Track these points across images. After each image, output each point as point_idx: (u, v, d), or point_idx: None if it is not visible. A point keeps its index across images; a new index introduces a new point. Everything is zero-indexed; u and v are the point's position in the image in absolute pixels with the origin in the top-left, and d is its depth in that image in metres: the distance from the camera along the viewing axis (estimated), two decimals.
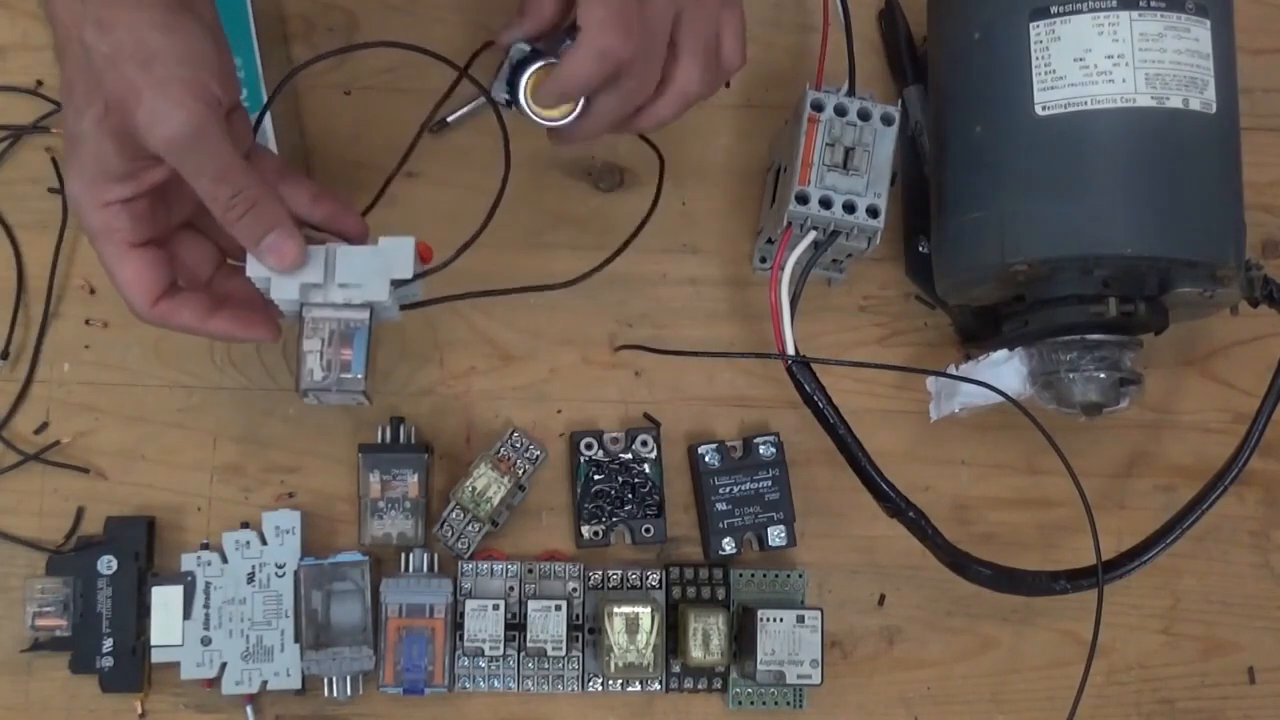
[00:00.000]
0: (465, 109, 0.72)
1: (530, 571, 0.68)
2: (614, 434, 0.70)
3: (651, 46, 0.56)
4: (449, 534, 0.68)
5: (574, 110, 0.59)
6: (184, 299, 0.58)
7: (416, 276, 0.59)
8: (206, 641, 0.66)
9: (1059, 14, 0.64)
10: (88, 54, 0.51)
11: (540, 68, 0.59)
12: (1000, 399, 0.67)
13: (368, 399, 0.60)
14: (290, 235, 0.56)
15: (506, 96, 0.60)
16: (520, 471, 0.68)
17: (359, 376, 0.59)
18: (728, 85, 0.75)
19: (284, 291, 0.58)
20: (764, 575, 0.69)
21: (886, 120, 0.65)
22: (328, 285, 0.58)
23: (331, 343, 0.59)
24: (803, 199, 0.64)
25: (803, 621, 0.66)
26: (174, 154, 0.52)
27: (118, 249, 0.55)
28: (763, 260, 0.73)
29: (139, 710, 0.67)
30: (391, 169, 0.68)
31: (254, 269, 0.57)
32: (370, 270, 0.58)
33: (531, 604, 0.66)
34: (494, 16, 0.74)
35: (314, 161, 0.72)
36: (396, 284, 0.59)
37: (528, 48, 0.59)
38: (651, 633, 0.65)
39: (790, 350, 0.65)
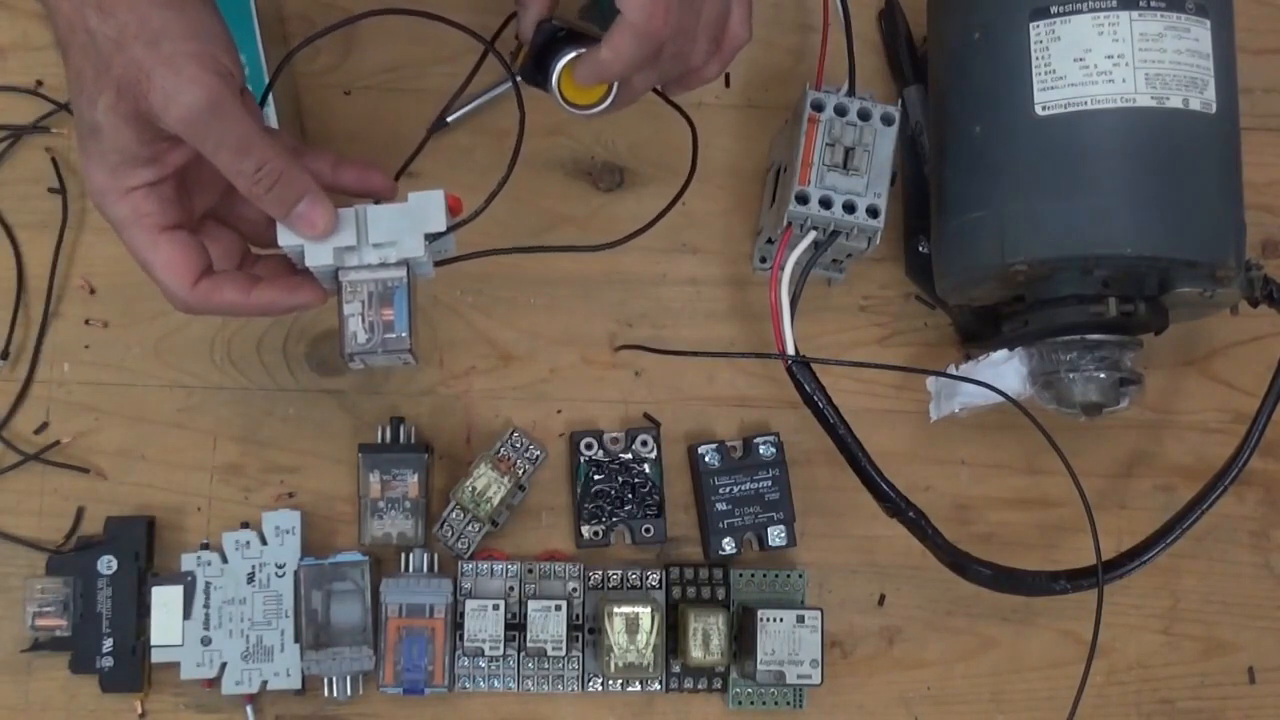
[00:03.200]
0: (466, 109, 0.72)
1: (530, 571, 0.68)
2: (614, 434, 0.70)
3: (687, 23, 0.56)
4: (449, 534, 0.68)
5: (608, 97, 0.59)
6: (224, 277, 0.56)
7: (449, 229, 0.58)
8: (206, 641, 0.66)
9: (1059, 14, 0.64)
10: (93, 40, 0.50)
11: (573, 58, 0.58)
12: (1000, 399, 0.67)
13: (414, 357, 0.59)
14: (319, 201, 0.55)
15: (537, 79, 0.60)
16: (520, 471, 0.68)
17: (403, 335, 0.58)
18: (727, 84, 0.75)
19: (318, 258, 0.57)
20: (764, 575, 0.69)
21: (886, 120, 0.65)
22: (361, 247, 0.57)
23: (372, 304, 0.58)
24: (803, 199, 0.64)
25: (803, 621, 0.66)
26: (192, 131, 0.51)
27: (148, 235, 0.54)
28: (763, 260, 0.73)
29: (139, 710, 0.67)
30: (391, 169, 0.68)
31: (286, 238, 0.56)
32: (402, 227, 0.57)
33: (531, 604, 0.66)
34: (492, 17, 0.74)
35: None
36: (430, 238, 0.58)
37: (556, 26, 0.58)
38: (651, 633, 0.65)
39: (790, 350, 0.65)
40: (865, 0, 0.75)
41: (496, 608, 0.66)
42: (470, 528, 0.68)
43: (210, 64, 0.51)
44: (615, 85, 0.58)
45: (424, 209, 0.58)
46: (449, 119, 0.72)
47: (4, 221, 0.71)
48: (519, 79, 0.60)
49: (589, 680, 0.68)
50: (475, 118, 0.73)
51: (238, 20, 0.64)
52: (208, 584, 0.66)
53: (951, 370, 0.70)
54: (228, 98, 0.51)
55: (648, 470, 0.70)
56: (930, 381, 0.72)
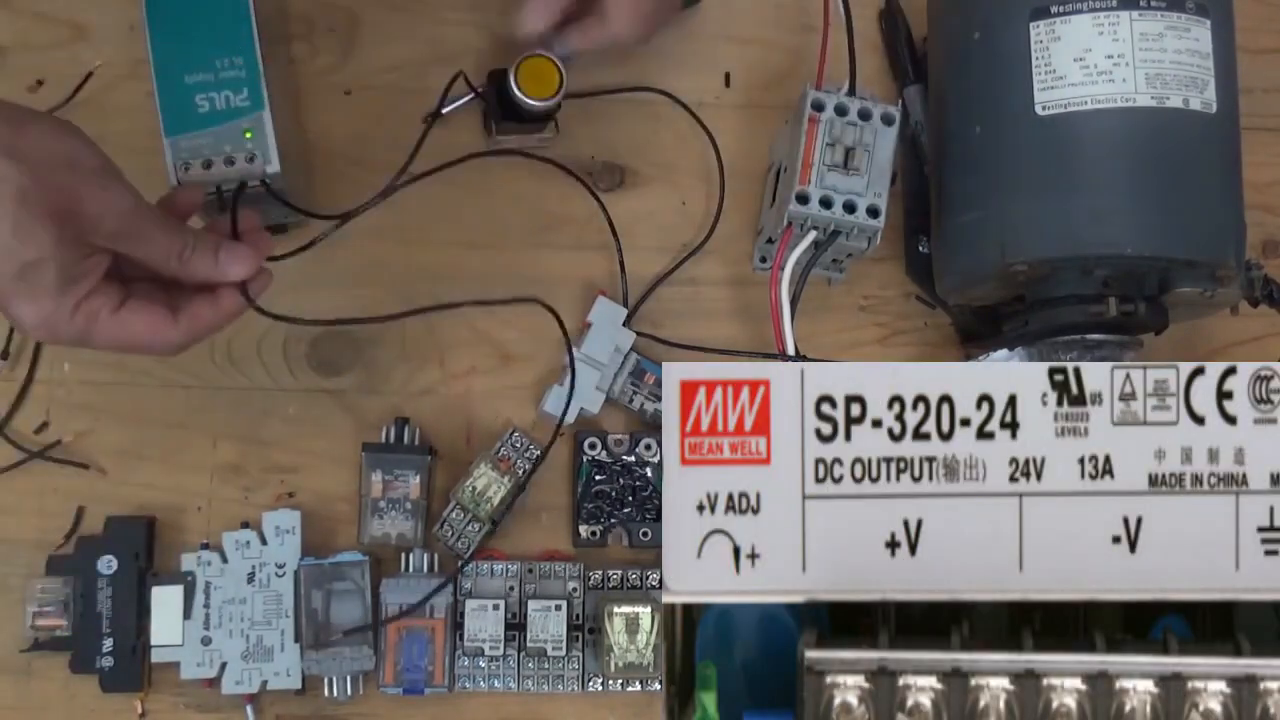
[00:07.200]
0: (459, 101, 0.72)
1: (530, 571, 0.68)
2: (618, 436, 0.70)
3: None
4: (449, 534, 0.68)
5: (560, 90, 0.67)
6: (193, 303, 0.58)
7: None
8: (206, 641, 0.66)
9: (1059, 14, 0.64)
10: (7, 184, 0.51)
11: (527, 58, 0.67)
12: None
13: None
14: (230, 245, 0.58)
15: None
16: (520, 471, 0.68)
17: None
18: (727, 83, 0.75)
19: None
20: None
21: (887, 120, 0.65)
22: None
23: None
24: (803, 199, 0.64)
25: None
26: (124, 236, 0.54)
27: (113, 324, 0.55)
28: (763, 260, 0.73)
29: (139, 710, 0.67)
30: (392, 168, 0.68)
31: None
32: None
33: (531, 604, 0.66)
34: (493, 16, 0.74)
35: (314, 161, 0.72)
36: None
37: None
38: (651, 633, 0.65)
39: (790, 350, 0.65)
40: (865, 0, 0.75)
41: (496, 608, 0.66)
42: (470, 528, 0.68)
43: (115, 170, 0.54)
44: (565, 79, 0.67)
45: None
46: (444, 110, 0.72)
47: None
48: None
49: (589, 680, 0.68)
50: (473, 112, 0.73)
51: (234, 20, 0.63)
52: (208, 584, 0.66)
53: None
54: (140, 198, 0.55)
55: (649, 474, 0.70)
56: None
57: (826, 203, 0.64)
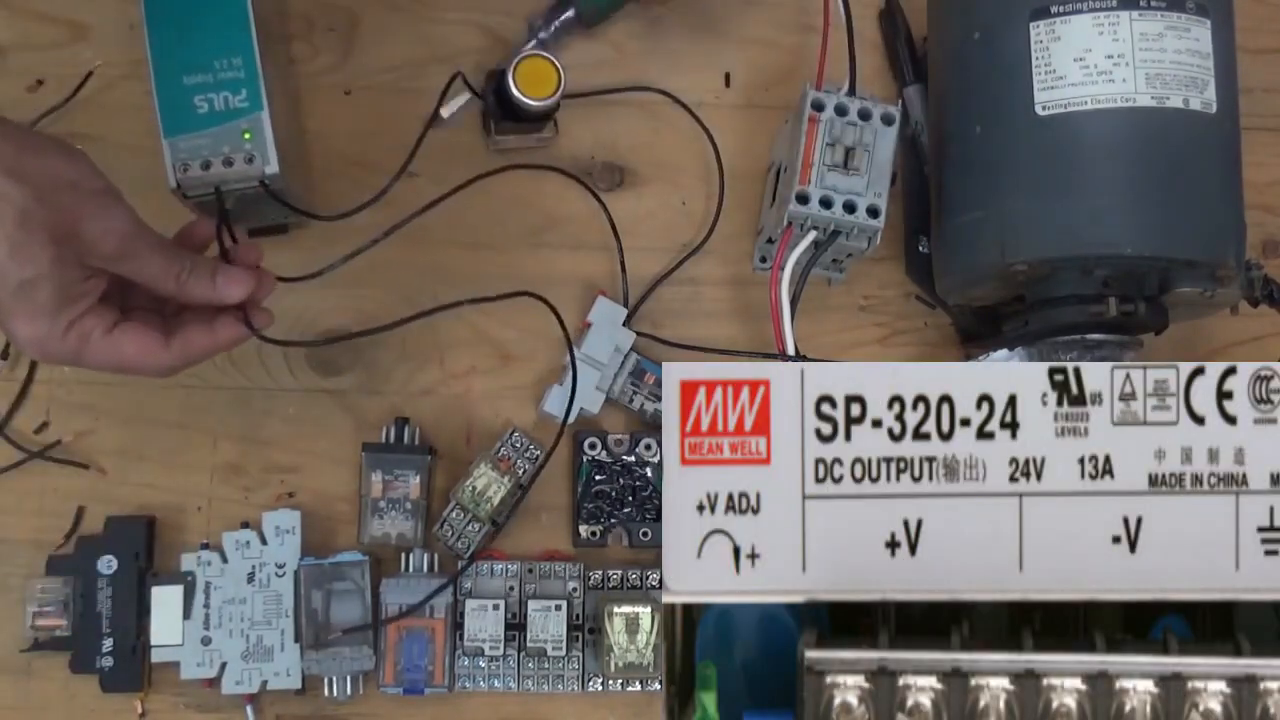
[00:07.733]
0: (458, 101, 0.72)
1: (530, 571, 0.68)
2: (618, 436, 0.70)
3: None
4: (449, 534, 0.68)
5: (558, 89, 0.68)
6: (186, 328, 0.59)
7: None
8: (206, 641, 0.66)
9: (1059, 14, 0.64)
10: (11, 203, 0.51)
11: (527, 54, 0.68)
12: None
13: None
14: (226, 268, 0.59)
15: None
16: (520, 471, 0.68)
17: None
18: (727, 84, 0.75)
19: None
20: None
21: (887, 120, 0.65)
22: None
23: None
24: (803, 199, 0.64)
25: None
26: (124, 258, 0.55)
27: (106, 344, 0.56)
28: (763, 260, 0.73)
29: (139, 710, 0.67)
30: (392, 169, 0.68)
31: None
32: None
33: (531, 604, 0.66)
34: (493, 16, 0.74)
35: (314, 161, 0.72)
36: None
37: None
38: (651, 633, 0.65)
39: (790, 350, 0.65)
40: (865, 0, 0.76)
41: (496, 608, 0.66)
42: (470, 528, 0.68)
43: (116, 193, 0.55)
44: (564, 79, 0.67)
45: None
46: (445, 113, 0.72)
47: None
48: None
49: (589, 680, 0.68)
50: (473, 113, 0.73)
51: (233, 20, 0.63)
52: (208, 584, 0.66)
53: None
54: (140, 221, 0.55)
55: (649, 474, 0.70)
56: None
57: (826, 203, 0.64)
